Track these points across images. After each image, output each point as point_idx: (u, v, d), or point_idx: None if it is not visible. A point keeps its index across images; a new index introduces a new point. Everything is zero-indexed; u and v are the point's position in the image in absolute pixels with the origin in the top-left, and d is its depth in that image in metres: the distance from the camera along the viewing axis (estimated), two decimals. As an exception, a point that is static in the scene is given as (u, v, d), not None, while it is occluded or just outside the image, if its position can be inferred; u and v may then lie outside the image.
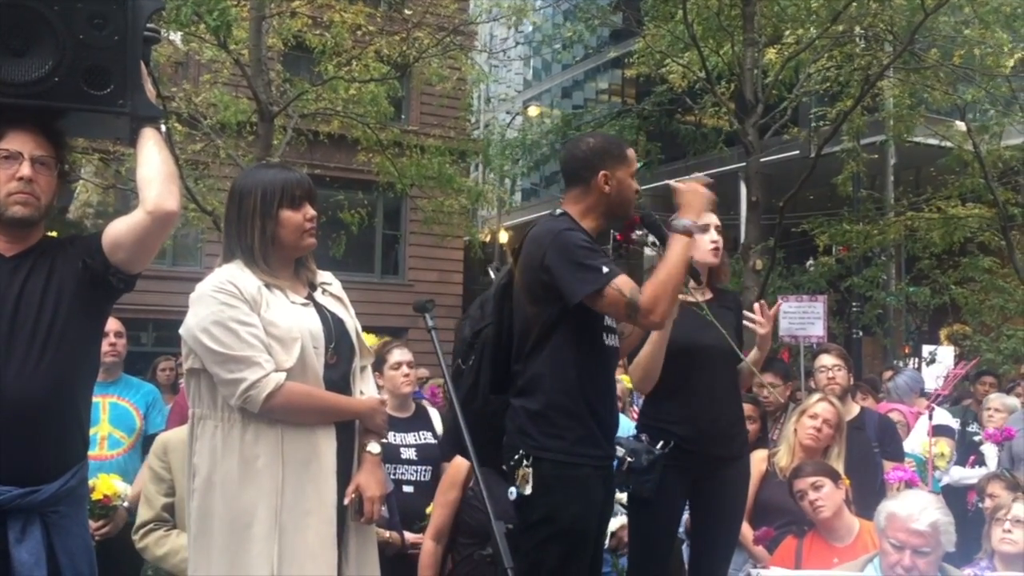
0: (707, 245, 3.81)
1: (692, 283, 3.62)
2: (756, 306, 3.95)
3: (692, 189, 3.21)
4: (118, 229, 2.58)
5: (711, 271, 3.88)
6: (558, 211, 3.26)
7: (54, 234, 2.74)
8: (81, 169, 12.19)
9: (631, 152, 3.28)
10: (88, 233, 2.78)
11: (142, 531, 3.74)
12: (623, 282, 2.96)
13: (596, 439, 3.09)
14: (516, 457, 3.03)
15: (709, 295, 3.88)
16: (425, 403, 4.85)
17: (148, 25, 2.65)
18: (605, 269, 2.97)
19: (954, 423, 7.13)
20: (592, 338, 3.10)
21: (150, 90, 2.67)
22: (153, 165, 2.58)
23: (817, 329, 8.47)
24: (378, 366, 4.36)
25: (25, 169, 2.50)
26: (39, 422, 2.43)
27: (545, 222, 3.20)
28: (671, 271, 3.03)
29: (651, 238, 3.35)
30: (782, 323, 8.69)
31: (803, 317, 8.58)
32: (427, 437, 4.43)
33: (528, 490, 2.97)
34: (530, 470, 2.97)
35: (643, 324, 3.08)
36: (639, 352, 3.61)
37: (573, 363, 3.05)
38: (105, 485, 4.20)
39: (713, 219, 3.84)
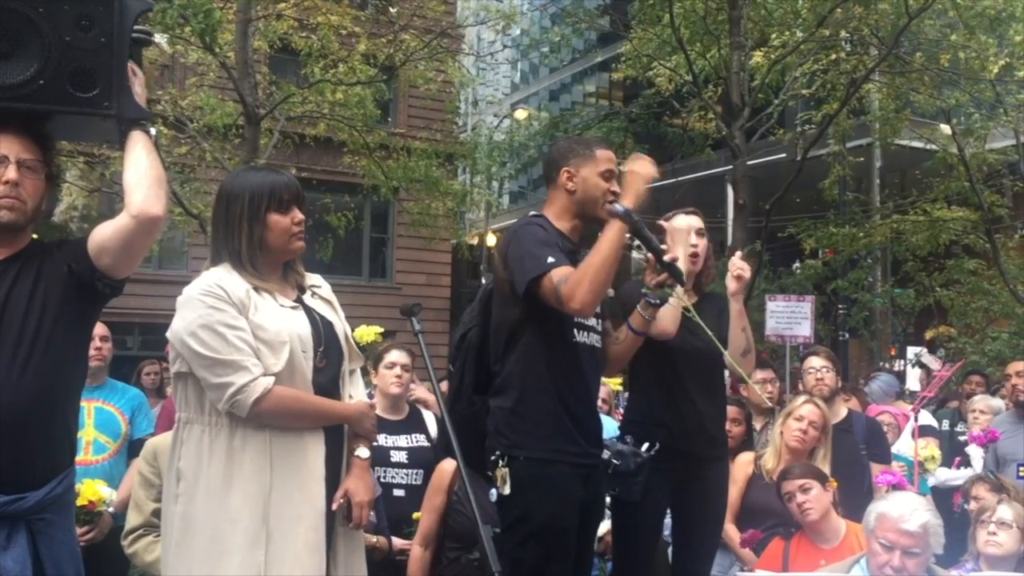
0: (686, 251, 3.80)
1: (679, 287, 3.63)
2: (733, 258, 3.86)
3: (632, 171, 3.11)
4: (103, 234, 2.55)
5: (698, 274, 3.88)
6: (532, 213, 3.30)
7: (35, 237, 2.71)
8: (66, 172, 12.11)
9: (602, 153, 3.25)
10: (74, 237, 2.74)
11: (131, 537, 3.72)
12: (558, 271, 2.98)
13: (572, 435, 3.09)
14: (493, 458, 3.04)
15: (695, 298, 3.88)
16: (419, 405, 4.84)
17: (137, 27, 2.64)
18: (551, 259, 2.99)
19: (936, 424, 7.17)
20: (562, 334, 3.12)
21: (140, 92, 2.65)
22: (140, 169, 2.56)
23: (804, 329, 8.45)
24: (375, 363, 4.40)
25: (11, 173, 2.47)
26: (25, 428, 2.40)
27: (517, 221, 3.27)
28: (596, 256, 3.00)
29: (636, 241, 3.35)
30: (769, 322, 8.68)
31: (790, 317, 8.54)
32: (420, 440, 4.42)
33: (506, 490, 2.98)
34: (507, 470, 2.98)
35: (567, 309, 2.99)
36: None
37: (544, 360, 3.07)
38: (90, 491, 4.17)
39: (695, 223, 3.84)
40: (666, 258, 3.17)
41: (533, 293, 3.02)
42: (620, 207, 3.01)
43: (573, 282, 2.94)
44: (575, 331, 3.15)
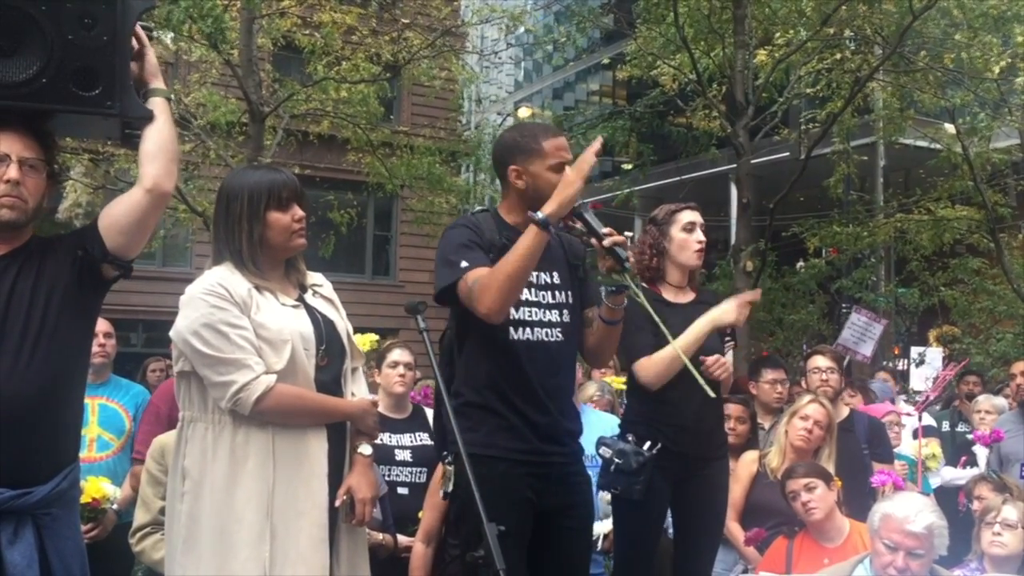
0: (693, 246, 3.79)
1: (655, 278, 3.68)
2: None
3: (565, 178, 2.90)
4: (116, 210, 2.57)
5: (691, 270, 3.88)
6: (477, 208, 3.25)
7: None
8: (70, 170, 12.12)
9: (551, 143, 3.07)
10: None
11: (139, 534, 3.72)
12: (473, 273, 2.90)
13: (517, 431, 3.01)
14: (443, 455, 3.00)
15: (692, 296, 3.87)
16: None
17: (139, 23, 2.64)
18: (464, 263, 2.92)
19: (935, 424, 7.16)
20: (499, 333, 3.01)
21: (151, 55, 2.65)
22: (161, 141, 2.57)
23: (866, 349, 8.37)
24: (378, 362, 4.40)
25: (12, 172, 2.47)
26: (32, 423, 2.41)
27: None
28: (508, 263, 2.87)
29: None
30: (844, 331, 8.66)
31: (862, 334, 8.49)
32: (423, 439, 4.42)
33: (450, 487, 2.91)
34: (452, 468, 2.91)
35: (478, 314, 2.90)
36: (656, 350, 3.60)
37: (483, 360, 3.01)
38: (94, 488, 4.17)
39: (697, 218, 3.84)
40: (606, 242, 3.01)
41: (453, 299, 2.98)
42: (539, 215, 2.87)
43: (483, 285, 2.86)
44: (513, 329, 3.04)
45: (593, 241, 3.06)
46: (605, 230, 3.01)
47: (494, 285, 2.86)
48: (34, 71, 2.47)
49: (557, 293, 3.15)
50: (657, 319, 3.40)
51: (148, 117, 2.61)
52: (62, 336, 2.48)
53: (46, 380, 2.43)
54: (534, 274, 3.05)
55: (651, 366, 3.62)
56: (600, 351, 3.35)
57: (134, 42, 2.62)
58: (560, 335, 3.13)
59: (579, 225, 3.09)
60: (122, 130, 2.66)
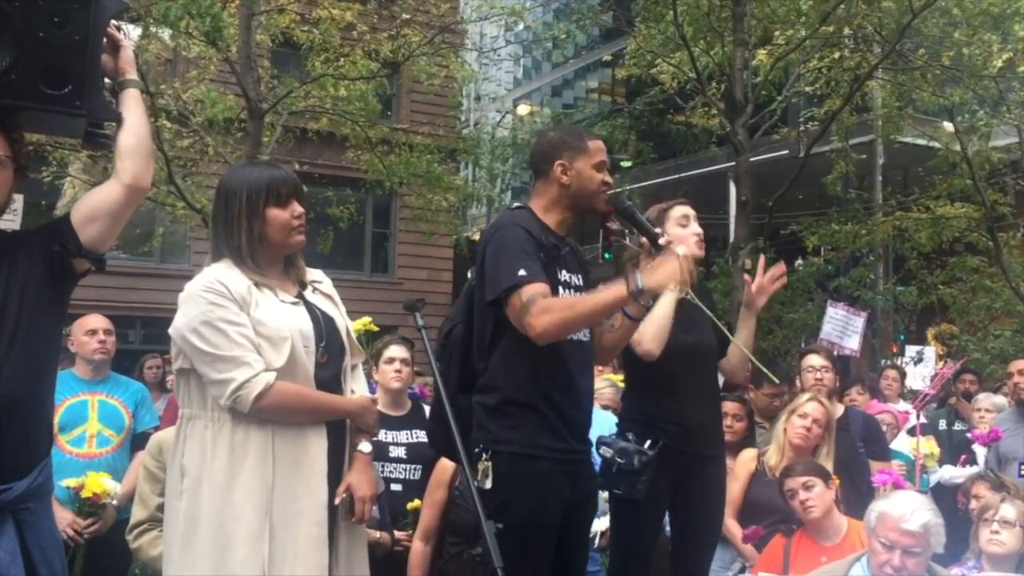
0: (692, 238, 3.78)
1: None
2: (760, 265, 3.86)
3: (673, 264, 2.94)
4: (91, 203, 2.53)
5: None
6: (515, 205, 3.27)
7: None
8: (69, 166, 12.11)
9: (594, 144, 3.19)
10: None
11: (136, 531, 3.72)
12: (529, 288, 2.90)
13: (557, 431, 3.02)
14: (476, 451, 2.99)
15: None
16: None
17: (113, 21, 2.60)
18: (522, 272, 2.92)
19: (930, 422, 7.17)
20: None
21: (127, 50, 2.62)
22: (139, 135, 2.55)
23: (852, 343, 8.36)
24: (376, 359, 4.40)
25: None
26: (9, 419, 2.38)
27: (500, 216, 3.21)
28: (586, 306, 2.95)
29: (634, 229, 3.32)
30: (825, 327, 8.65)
31: (844, 328, 8.49)
32: (420, 436, 4.41)
33: (487, 484, 2.92)
34: (489, 464, 2.92)
35: (525, 328, 2.90)
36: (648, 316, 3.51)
37: (526, 358, 2.99)
38: (94, 483, 4.19)
39: (690, 211, 3.84)
40: (661, 241, 3.13)
41: (500, 302, 2.97)
42: (640, 284, 2.88)
43: (545, 307, 2.88)
44: None
45: (643, 240, 3.14)
46: (658, 230, 3.12)
47: (562, 317, 2.90)
48: (2, 67, 2.41)
49: (581, 294, 3.20)
50: (711, 314, 3.49)
51: (115, 119, 2.58)
52: (37, 332, 2.45)
53: (23, 377, 2.41)
54: (567, 275, 3.13)
55: (645, 330, 3.49)
56: (615, 350, 3.40)
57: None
58: (587, 334, 3.20)
59: (611, 226, 3.15)
60: (86, 129, 2.62)
